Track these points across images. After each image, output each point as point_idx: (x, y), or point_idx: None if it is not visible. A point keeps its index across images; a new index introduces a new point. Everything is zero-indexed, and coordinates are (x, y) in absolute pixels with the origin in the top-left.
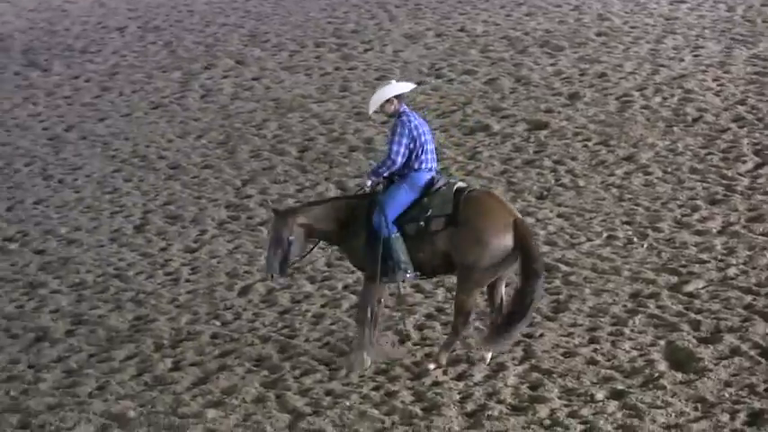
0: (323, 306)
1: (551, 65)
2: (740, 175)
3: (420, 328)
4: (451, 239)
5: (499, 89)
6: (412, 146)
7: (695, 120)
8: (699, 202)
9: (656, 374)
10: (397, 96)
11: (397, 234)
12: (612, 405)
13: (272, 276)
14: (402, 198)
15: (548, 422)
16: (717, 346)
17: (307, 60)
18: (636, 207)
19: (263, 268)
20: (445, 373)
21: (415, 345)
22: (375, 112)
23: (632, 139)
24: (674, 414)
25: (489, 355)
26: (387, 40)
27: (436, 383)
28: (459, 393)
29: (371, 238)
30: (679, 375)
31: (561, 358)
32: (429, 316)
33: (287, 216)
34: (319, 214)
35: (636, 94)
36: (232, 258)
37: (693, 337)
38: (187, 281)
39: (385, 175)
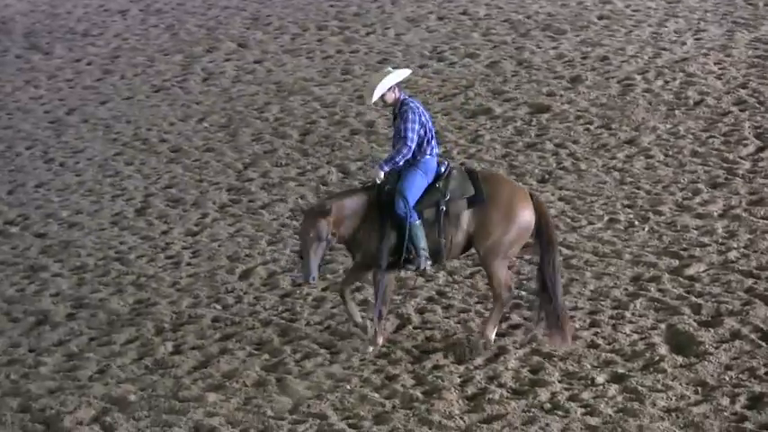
0: (324, 290)
1: (553, 48)
2: (741, 158)
3: (421, 311)
4: (476, 219)
5: (501, 72)
6: (422, 132)
7: (697, 103)
8: (700, 186)
9: (657, 358)
10: (396, 84)
11: (419, 221)
12: (613, 388)
13: (312, 281)
14: (420, 184)
15: (548, 405)
16: (717, 330)
17: (309, 43)
18: (637, 190)
19: (299, 275)
20: (446, 356)
21: (415, 328)
22: (375, 102)
23: (634, 123)
24: (674, 397)
25: (493, 336)
26: (389, 23)
27: (437, 367)
28: (459, 377)
29: (390, 227)
30: (679, 359)
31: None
32: (430, 299)
33: (323, 215)
34: (349, 210)
35: (638, 77)
36: (233, 242)
37: (694, 320)
38: (188, 264)
39: (401, 163)
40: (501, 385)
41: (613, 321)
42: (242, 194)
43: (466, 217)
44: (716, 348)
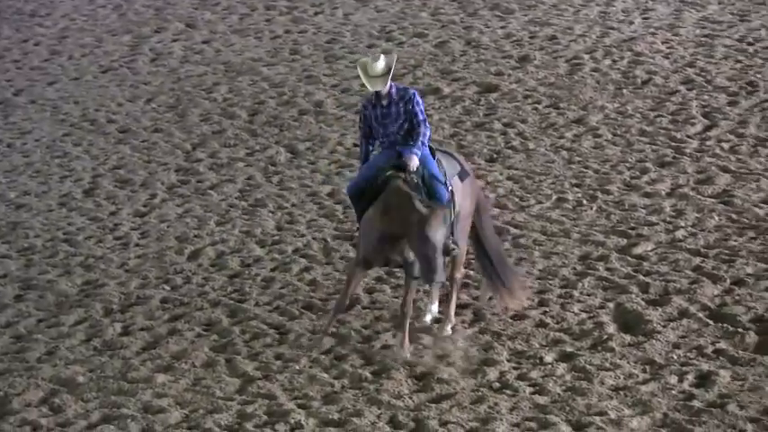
0: (273, 270)
1: (502, 27)
2: (689, 137)
3: (370, 291)
4: (463, 194)
5: (449, 52)
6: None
7: (644, 82)
8: (648, 165)
9: (605, 337)
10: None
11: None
12: (561, 367)
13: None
14: (438, 169)
15: (497, 385)
16: (665, 309)
17: (257, 23)
18: (585, 170)
19: (433, 277)
20: (395, 336)
21: (364, 308)
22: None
23: (582, 102)
24: (622, 376)
25: (435, 308)
26: (337, 2)
27: (386, 347)
28: (408, 356)
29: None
30: (627, 337)
31: (511, 321)
32: (379, 279)
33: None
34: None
35: (586, 56)
36: (182, 222)
37: (642, 299)
38: (137, 245)
39: (428, 144)
40: (450, 365)
41: (562, 300)
42: (190, 175)
43: (459, 193)
44: (664, 327)
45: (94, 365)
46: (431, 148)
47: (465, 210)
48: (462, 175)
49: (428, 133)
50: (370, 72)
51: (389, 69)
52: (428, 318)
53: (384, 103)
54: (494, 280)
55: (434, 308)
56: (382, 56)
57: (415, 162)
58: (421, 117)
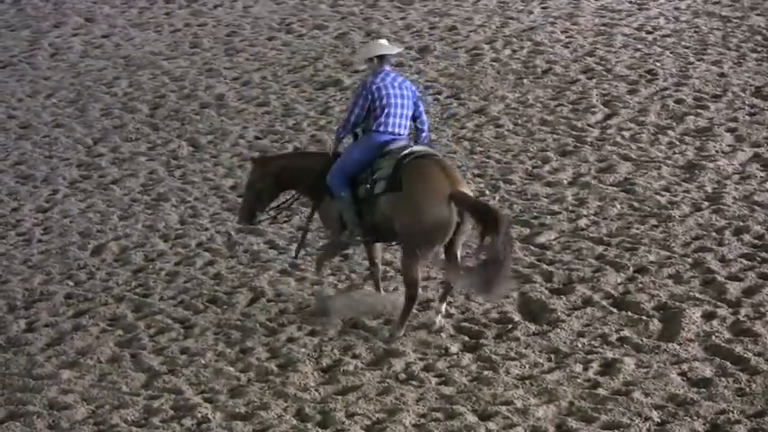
0: (177, 264)
1: (401, 19)
2: (590, 126)
3: (274, 284)
4: (391, 205)
5: (350, 44)
6: (371, 106)
7: (545, 72)
8: (549, 154)
9: (510, 326)
10: (379, 57)
11: (347, 194)
12: (467, 357)
13: (240, 222)
14: (353, 158)
15: (403, 376)
16: (569, 297)
17: (156, 17)
18: (487, 159)
19: (235, 217)
20: (300, 329)
21: (269, 301)
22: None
23: (483, 92)
24: (527, 365)
25: (440, 319)
26: None
27: (291, 340)
28: (314, 349)
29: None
30: (532, 327)
31: (415, 311)
32: (283, 272)
33: (259, 165)
34: (290, 165)
35: (486, 46)
36: (84, 218)
37: (546, 288)
38: (39, 241)
39: (342, 136)
40: (355, 356)
41: (466, 290)
42: (92, 170)
43: (384, 200)
44: (568, 316)
45: None
46: (386, 143)
47: (399, 226)
48: (389, 186)
49: (342, 123)
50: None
51: (367, 57)
52: (438, 320)
53: None
54: (488, 275)
55: (444, 308)
56: (376, 42)
57: (331, 148)
58: (348, 106)
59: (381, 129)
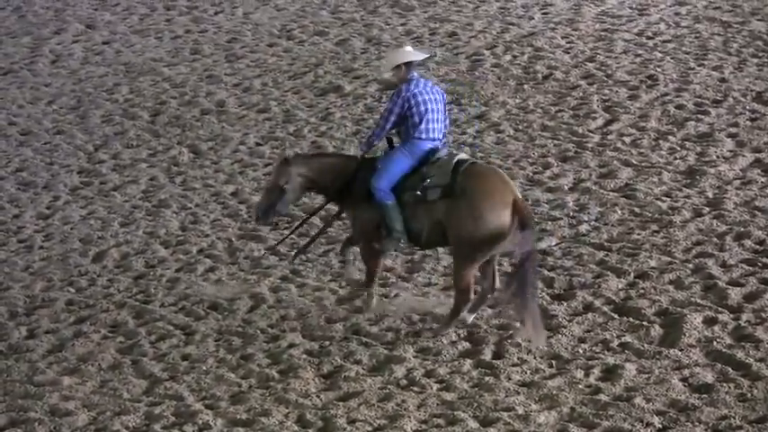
0: (177, 270)
1: (402, 25)
2: (590, 131)
3: (275, 290)
4: (447, 211)
5: (350, 50)
6: (407, 114)
7: (545, 77)
8: (550, 160)
9: (511, 332)
10: (406, 64)
11: (394, 201)
12: (468, 363)
13: (258, 220)
14: (400, 164)
15: (404, 382)
16: (570, 303)
17: (157, 24)
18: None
19: (252, 214)
20: (304, 336)
21: (270, 307)
22: (382, 79)
23: (483, 98)
24: (529, 371)
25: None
26: (237, 2)
27: (292, 346)
28: (315, 355)
29: (369, 202)
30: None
31: (416, 318)
32: (284, 278)
33: (288, 164)
34: (321, 167)
35: (486, 52)
36: (85, 224)
37: (547, 293)
38: (41, 248)
39: (375, 143)
40: (357, 362)
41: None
42: (93, 176)
43: (439, 207)
44: (569, 321)
45: (0, 369)
46: (434, 150)
47: (455, 231)
48: (446, 192)
49: (376, 131)
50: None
51: (394, 65)
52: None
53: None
54: (526, 316)
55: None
56: (406, 51)
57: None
58: (383, 111)
59: (423, 136)
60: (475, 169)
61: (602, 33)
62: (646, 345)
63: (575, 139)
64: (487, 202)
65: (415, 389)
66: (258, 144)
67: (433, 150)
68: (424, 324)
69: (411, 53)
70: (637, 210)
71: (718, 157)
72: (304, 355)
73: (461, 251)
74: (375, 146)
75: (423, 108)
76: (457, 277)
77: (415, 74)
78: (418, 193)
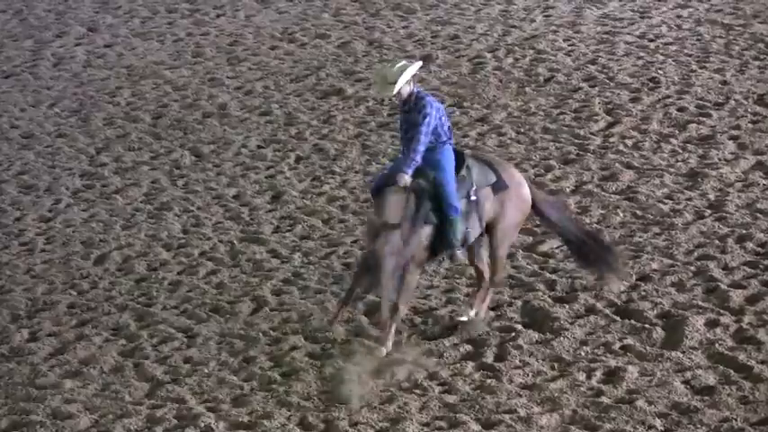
0: (179, 273)
1: (404, 27)
2: (592, 134)
3: (277, 293)
4: (500, 205)
5: (352, 53)
6: (444, 120)
7: (547, 80)
8: (552, 162)
9: (513, 334)
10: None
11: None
12: (470, 366)
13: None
14: (453, 174)
15: (406, 384)
16: (572, 305)
17: (159, 27)
18: None
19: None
20: (306, 338)
21: (272, 310)
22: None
23: (485, 101)
24: (531, 374)
25: (473, 313)
26: (239, 4)
27: (294, 348)
28: (317, 358)
29: (431, 221)
30: (535, 335)
31: (418, 320)
32: (286, 281)
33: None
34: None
35: (488, 55)
36: (87, 227)
37: (549, 296)
38: (42, 250)
39: (419, 159)
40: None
41: (469, 299)
42: (95, 179)
43: (492, 204)
44: (571, 324)
45: (2, 372)
46: (460, 154)
47: (507, 220)
48: (498, 186)
49: (420, 148)
50: (389, 78)
51: (399, 76)
52: (470, 314)
53: (406, 108)
54: (595, 264)
55: (473, 312)
56: (399, 63)
57: (404, 181)
58: (421, 127)
59: (452, 140)
60: (501, 162)
61: (604, 36)
62: (648, 347)
63: (576, 141)
64: (525, 183)
65: (418, 391)
66: (260, 147)
67: (460, 153)
68: (427, 326)
69: (413, 65)
70: (638, 212)
71: (719, 159)
72: (306, 358)
73: (508, 238)
74: (418, 163)
75: (443, 112)
76: (500, 264)
77: (416, 85)
78: (473, 198)
